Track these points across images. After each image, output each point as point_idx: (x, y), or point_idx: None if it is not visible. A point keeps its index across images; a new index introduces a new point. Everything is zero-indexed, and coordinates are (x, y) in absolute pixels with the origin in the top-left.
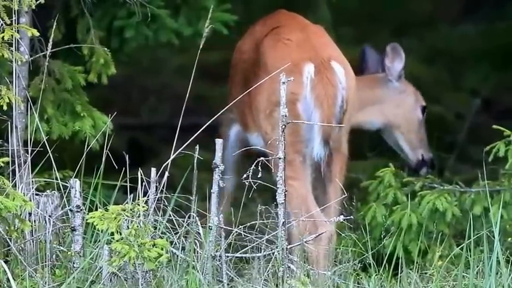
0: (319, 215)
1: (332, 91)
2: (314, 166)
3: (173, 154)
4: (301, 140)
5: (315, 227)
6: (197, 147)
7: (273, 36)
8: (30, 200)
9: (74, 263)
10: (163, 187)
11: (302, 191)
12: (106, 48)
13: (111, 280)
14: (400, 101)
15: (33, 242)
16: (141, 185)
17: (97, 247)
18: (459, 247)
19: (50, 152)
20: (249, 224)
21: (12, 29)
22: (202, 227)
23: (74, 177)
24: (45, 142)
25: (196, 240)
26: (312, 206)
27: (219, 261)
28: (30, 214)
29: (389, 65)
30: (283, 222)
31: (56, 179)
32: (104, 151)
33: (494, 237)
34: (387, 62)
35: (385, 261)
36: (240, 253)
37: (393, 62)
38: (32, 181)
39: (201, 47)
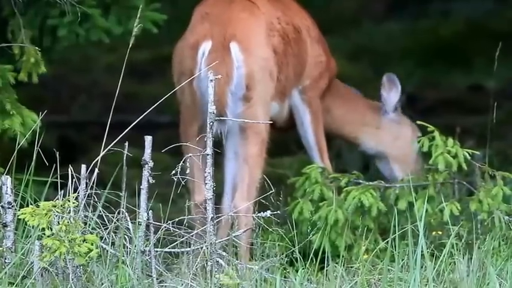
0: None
1: (225, 70)
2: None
3: (103, 151)
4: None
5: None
6: (126, 144)
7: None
8: None
9: (5, 259)
10: (93, 183)
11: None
12: (37, 48)
13: (42, 275)
14: (398, 133)
15: None
16: (72, 182)
17: (28, 243)
18: (384, 241)
19: None
20: (177, 219)
21: None
22: (131, 222)
23: (5, 174)
24: None
25: (125, 236)
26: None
27: (149, 256)
28: None
29: (385, 96)
30: (211, 218)
31: None
32: (35, 148)
33: (418, 231)
34: (383, 93)
35: (311, 256)
36: (169, 248)
37: (389, 93)
38: None
39: (130, 45)
